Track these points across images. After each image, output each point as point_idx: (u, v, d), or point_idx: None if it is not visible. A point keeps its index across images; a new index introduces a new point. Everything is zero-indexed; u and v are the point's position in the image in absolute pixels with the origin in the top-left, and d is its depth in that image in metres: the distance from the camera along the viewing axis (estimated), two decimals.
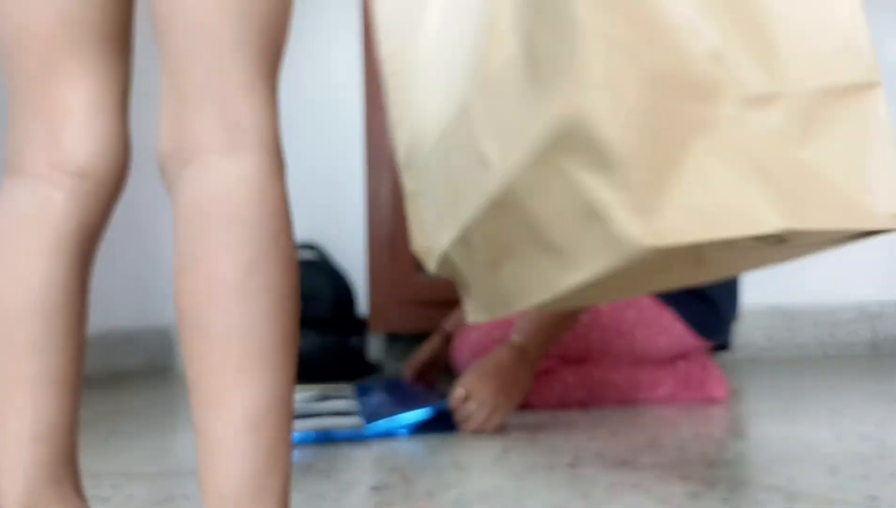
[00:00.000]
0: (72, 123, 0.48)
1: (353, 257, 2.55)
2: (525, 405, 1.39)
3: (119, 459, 1.04)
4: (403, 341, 2.39)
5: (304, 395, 1.75)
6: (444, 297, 1.90)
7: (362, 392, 1.74)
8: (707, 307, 1.46)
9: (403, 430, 1.17)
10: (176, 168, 0.45)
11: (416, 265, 2.43)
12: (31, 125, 0.49)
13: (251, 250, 0.41)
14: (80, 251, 0.49)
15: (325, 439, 1.13)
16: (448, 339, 1.76)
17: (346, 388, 1.81)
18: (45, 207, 0.47)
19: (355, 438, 1.14)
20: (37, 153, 0.48)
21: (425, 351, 1.75)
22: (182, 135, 0.44)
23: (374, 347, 2.49)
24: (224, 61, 0.44)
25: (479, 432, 1.16)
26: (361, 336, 2.31)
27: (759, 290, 2.48)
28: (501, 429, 1.18)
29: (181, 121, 0.45)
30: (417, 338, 1.89)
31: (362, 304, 2.48)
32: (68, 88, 0.48)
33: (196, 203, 0.43)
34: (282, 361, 0.42)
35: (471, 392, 1.17)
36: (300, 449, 1.07)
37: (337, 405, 1.40)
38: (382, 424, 1.15)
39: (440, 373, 1.77)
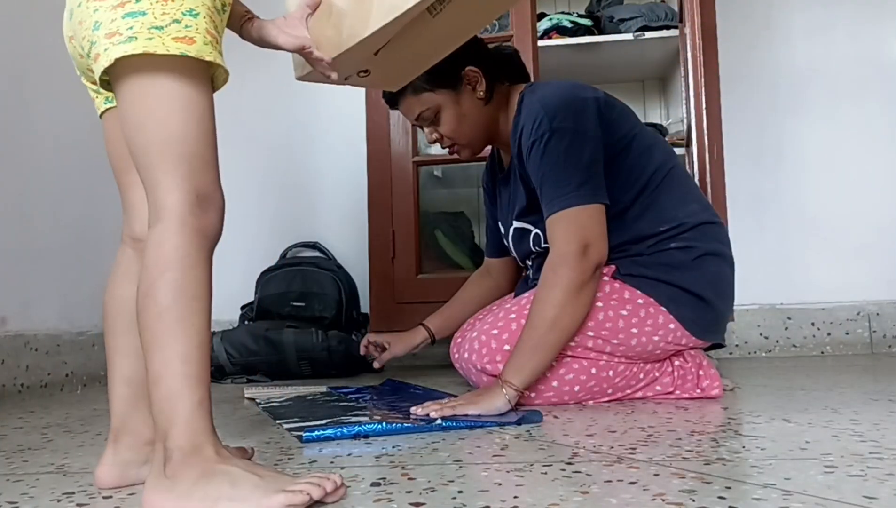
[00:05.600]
0: (137, 212, 0.90)
1: (355, 259, 2.56)
2: (523, 403, 1.40)
3: None
4: None
5: (286, 392, 1.75)
6: (443, 297, 1.91)
7: (362, 391, 1.74)
8: (702, 307, 1.47)
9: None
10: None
11: (417, 266, 2.44)
12: (125, 212, 0.93)
13: (146, 281, 0.76)
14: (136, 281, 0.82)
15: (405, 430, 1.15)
16: (430, 341, 1.83)
17: (321, 387, 1.81)
18: (131, 259, 0.91)
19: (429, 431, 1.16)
20: (125, 230, 0.93)
21: (400, 348, 1.81)
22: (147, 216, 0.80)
23: None
24: (149, 170, 0.78)
25: None
26: (364, 333, 2.32)
27: (757, 289, 2.48)
28: None
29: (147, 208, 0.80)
30: None
31: (363, 302, 2.48)
32: (133, 192, 0.90)
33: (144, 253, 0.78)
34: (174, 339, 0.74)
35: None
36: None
37: (348, 406, 1.40)
38: (466, 423, 1.20)
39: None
